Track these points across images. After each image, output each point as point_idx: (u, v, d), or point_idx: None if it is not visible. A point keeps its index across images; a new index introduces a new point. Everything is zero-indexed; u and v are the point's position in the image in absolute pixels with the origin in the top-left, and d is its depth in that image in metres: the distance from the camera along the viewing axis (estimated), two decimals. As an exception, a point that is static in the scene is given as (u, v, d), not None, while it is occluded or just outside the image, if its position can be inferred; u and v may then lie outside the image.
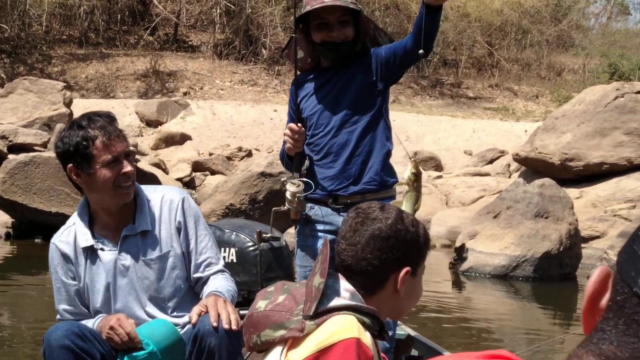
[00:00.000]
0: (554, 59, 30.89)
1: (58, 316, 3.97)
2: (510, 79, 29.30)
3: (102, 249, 3.90)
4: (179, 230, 3.97)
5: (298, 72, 4.76)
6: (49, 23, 27.16)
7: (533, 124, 20.22)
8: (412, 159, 4.06)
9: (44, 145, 17.25)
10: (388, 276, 2.62)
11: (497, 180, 17.52)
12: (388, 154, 4.60)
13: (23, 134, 17.21)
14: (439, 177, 18.50)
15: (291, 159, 4.64)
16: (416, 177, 3.98)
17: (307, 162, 4.63)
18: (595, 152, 16.82)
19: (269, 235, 4.77)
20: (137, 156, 18.63)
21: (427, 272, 10.04)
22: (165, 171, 18.24)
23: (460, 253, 12.86)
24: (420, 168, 4.19)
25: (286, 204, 4.51)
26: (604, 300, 1.02)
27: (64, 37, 28.29)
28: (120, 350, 3.72)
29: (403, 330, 4.94)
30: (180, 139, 20.22)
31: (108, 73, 26.45)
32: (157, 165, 18.35)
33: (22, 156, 13.55)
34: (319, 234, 4.51)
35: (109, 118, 3.89)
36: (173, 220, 3.97)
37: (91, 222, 3.94)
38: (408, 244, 2.63)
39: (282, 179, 4.66)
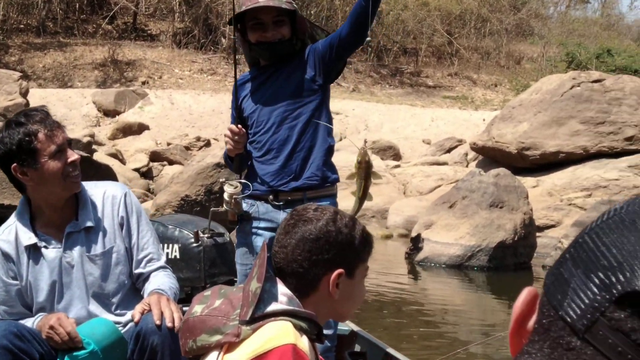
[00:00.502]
0: (513, 47, 31.09)
1: (-3, 315, 3.93)
2: (469, 67, 29.43)
3: (45, 247, 3.86)
4: (121, 225, 3.95)
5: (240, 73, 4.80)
6: (5, 12, 26.93)
7: (491, 113, 20.37)
8: (361, 148, 4.11)
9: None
10: (320, 278, 2.60)
11: (455, 169, 17.60)
12: (330, 149, 4.61)
13: (-21, 124, 17.02)
14: (397, 166, 18.56)
15: (231, 160, 4.66)
16: (360, 165, 4.03)
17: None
18: (552, 141, 16.95)
19: (207, 234, 4.75)
20: (93, 146, 18.55)
21: (383, 262, 10.06)
22: (122, 161, 18.19)
23: (416, 243, 12.92)
24: (369, 157, 4.20)
25: (224, 205, 4.53)
26: (531, 322, 1.00)
27: (21, 26, 28.08)
28: (60, 350, 3.67)
29: (347, 326, 4.92)
30: (138, 129, 20.17)
31: (66, 62, 26.29)
32: (114, 155, 18.31)
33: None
34: (260, 231, 4.50)
35: (45, 112, 3.84)
36: (116, 215, 3.95)
37: (32, 221, 3.89)
38: (340, 245, 2.61)
39: (221, 180, 4.64)
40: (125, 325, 3.80)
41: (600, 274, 0.93)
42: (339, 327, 4.58)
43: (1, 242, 3.87)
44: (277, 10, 4.41)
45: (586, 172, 16.43)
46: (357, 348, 4.85)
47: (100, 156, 17.65)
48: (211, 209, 4.78)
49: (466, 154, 19.11)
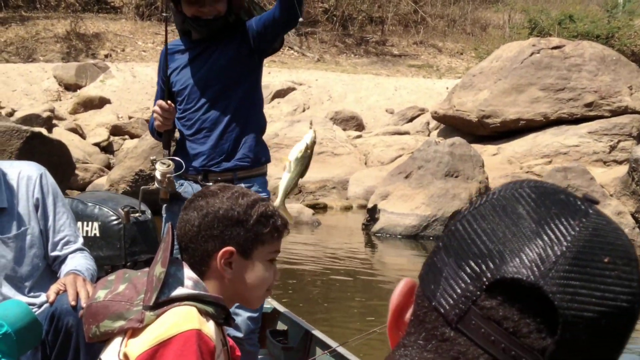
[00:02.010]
0: (479, 14, 31.17)
1: None
2: (435, 35, 29.49)
3: None
4: (36, 207, 3.93)
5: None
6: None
7: (455, 81, 20.41)
8: (312, 132, 4.21)
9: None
10: (210, 255, 2.60)
11: (416, 138, 17.66)
12: (262, 130, 4.62)
13: None
14: (359, 136, 18.59)
15: (160, 136, 4.64)
16: (306, 150, 4.12)
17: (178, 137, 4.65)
18: (512, 109, 17.08)
19: (136, 213, 4.71)
20: (54, 121, 18.49)
21: (341, 233, 10.09)
22: (83, 136, 18.18)
23: (372, 214, 13.01)
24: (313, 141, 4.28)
25: (155, 183, 4.49)
26: (409, 314, 1.01)
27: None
28: None
29: (269, 304, 4.96)
30: (99, 103, 20.07)
31: (28, 36, 26.18)
32: (74, 130, 18.29)
33: None
34: None
35: None
36: (31, 196, 3.92)
37: None
38: (229, 222, 2.60)
39: (152, 158, 4.62)
40: (40, 306, 3.78)
41: (471, 262, 0.94)
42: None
43: None
44: None
45: (546, 139, 16.59)
46: (280, 326, 4.87)
47: (60, 131, 17.61)
48: (142, 187, 4.75)
49: (428, 123, 19.18)
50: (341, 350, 4.39)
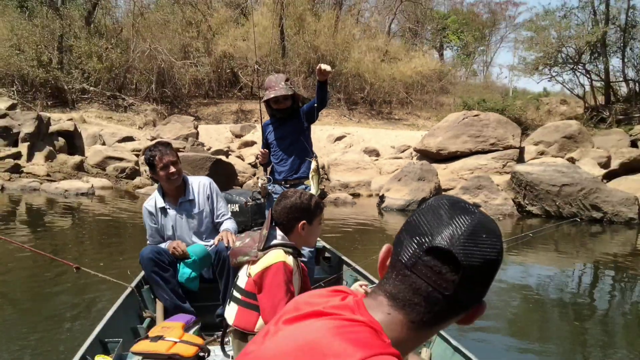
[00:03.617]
0: (439, 99, 30.37)
1: (148, 242, 3.94)
2: (417, 109, 28.84)
3: (169, 208, 3.85)
4: (208, 198, 3.92)
5: (265, 119, 4.76)
6: (189, 87, 27.06)
7: (426, 132, 19.98)
8: (315, 159, 4.03)
9: (184, 148, 17.25)
10: (294, 226, 2.57)
11: (405, 161, 17.32)
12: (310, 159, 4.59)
13: (174, 143, 17.17)
14: (376, 159, 18.32)
15: (262, 165, 4.65)
16: (315, 170, 3.95)
17: (272, 165, 4.64)
18: (453, 146, 16.76)
19: (250, 202, 4.64)
20: (229, 152, 18.57)
21: (363, 207, 9.88)
22: (242, 160, 18.15)
23: (381, 199, 12.84)
24: (319, 167, 4.18)
25: (258, 189, 4.54)
26: (388, 262, 1.01)
27: (197, 94, 28.12)
28: (178, 259, 3.71)
29: (321, 243, 4.86)
30: (251, 143, 20.12)
31: (218, 111, 26.31)
32: (239, 157, 18.27)
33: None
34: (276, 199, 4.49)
35: (164, 144, 3.82)
36: (205, 193, 3.92)
37: (163, 195, 3.88)
38: (301, 209, 2.58)
39: (256, 176, 4.59)
40: (211, 246, 3.79)
41: (417, 237, 0.95)
42: (316, 244, 4.57)
43: (148, 205, 3.88)
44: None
45: (471, 161, 16.24)
46: (327, 255, 4.78)
47: (232, 158, 17.63)
48: (252, 191, 4.76)
49: (411, 153, 18.85)
50: (357, 267, 4.29)
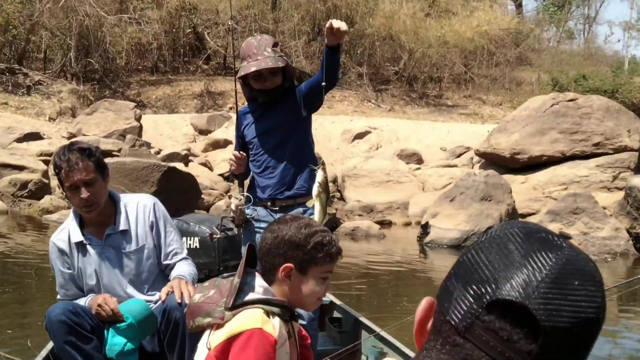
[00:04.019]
0: (515, 74, 30.57)
1: (58, 296, 3.96)
2: (481, 90, 28.99)
3: (89, 244, 3.88)
4: (152, 227, 3.96)
5: (241, 105, 4.82)
6: (127, 56, 27.19)
7: (494, 126, 20.06)
8: (321, 172, 4.04)
9: (119, 151, 17.37)
10: (276, 267, 2.61)
11: (462, 170, 17.35)
12: (311, 167, 4.60)
13: (104, 143, 17.26)
14: (418, 168, 18.35)
15: (236, 177, 4.68)
16: (320, 186, 3.95)
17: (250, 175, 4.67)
18: (537, 147, 16.84)
19: (218, 234, 4.70)
20: (190, 157, 18.72)
21: (396, 242, 9.95)
22: (210, 169, 18.26)
23: (424, 229, 12.93)
24: (327, 182, 4.19)
25: (231, 213, 4.56)
26: (429, 325, 1.04)
27: (139, 67, 28.32)
28: (106, 322, 3.73)
29: (327, 297, 4.90)
30: (224, 144, 20.17)
31: (172, 94, 26.47)
32: (204, 164, 18.38)
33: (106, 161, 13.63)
34: (261, 230, 4.44)
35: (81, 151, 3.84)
36: (147, 220, 3.96)
37: (82, 223, 3.91)
38: (291, 245, 2.60)
39: (229, 194, 4.67)
40: (155, 302, 3.82)
41: (474, 287, 0.97)
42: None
43: (58, 241, 3.91)
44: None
45: (563, 170, 16.32)
46: (336, 315, 4.84)
47: (194, 165, 17.75)
48: (222, 217, 4.82)
49: (472, 158, 18.92)
50: (384, 334, 4.34)
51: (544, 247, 0.97)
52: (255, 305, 2.53)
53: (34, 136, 18.79)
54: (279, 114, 4.53)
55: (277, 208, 4.49)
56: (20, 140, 18.32)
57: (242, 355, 2.43)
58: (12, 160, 16.04)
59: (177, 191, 12.78)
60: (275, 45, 4.46)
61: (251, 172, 4.65)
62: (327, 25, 3.97)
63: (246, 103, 4.74)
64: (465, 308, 0.97)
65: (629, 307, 8.65)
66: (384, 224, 15.02)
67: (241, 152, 4.55)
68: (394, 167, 17.14)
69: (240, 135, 4.68)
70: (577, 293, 0.95)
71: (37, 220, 13.77)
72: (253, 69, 4.34)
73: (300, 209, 4.39)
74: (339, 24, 3.98)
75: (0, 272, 9.24)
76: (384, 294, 8.79)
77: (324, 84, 4.20)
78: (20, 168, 15.81)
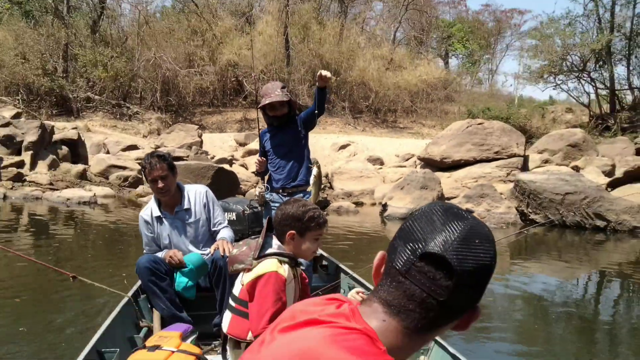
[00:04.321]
0: (444, 107, 30.26)
1: (144, 251, 3.95)
2: (421, 117, 28.79)
3: (165, 217, 3.86)
4: (204, 206, 3.92)
5: (262, 127, 4.78)
6: (193, 96, 27.09)
7: (430, 141, 20.00)
8: (315, 165, 4.08)
9: (187, 157, 17.29)
10: (284, 233, 2.58)
11: (409, 169, 17.30)
12: (308, 167, 4.57)
13: (177, 152, 17.20)
14: (380, 168, 18.28)
15: (259, 174, 4.66)
16: (315, 177, 4.00)
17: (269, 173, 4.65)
18: (457, 154, 16.70)
19: (248, 211, 4.63)
20: (233, 161, 18.62)
21: (366, 216, 9.87)
22: (246, 168, 18.12)
23: (384, 207, 12.83)
24: (320, 173, 4.19)
25: (256, 197, 4.54)
26: (382, 269, 1.02)
27: (201, 102, 28.07)
28: (175, 268, 3.72)
29: (319, 251, 4.80)
30: (255, 152, 19.94)
31: (222, 120, 26.34)
32: (242, 165, 18.29)
33: (177, 164, 13.54)
34: (274, 208, 4.48)
35: (158, 157, 3.81)
36: (201, 201, 3.92)
37: (159, 203, 3.90)
38: (293, 218, 2.57)
39: (255, 185, 4.62)
40: (207, 255, 3.79)
41: (411, 244, 0.96)
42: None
43: (144, 215, 3.90)
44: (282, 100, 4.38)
45: (475, 169, 16.18)
46: (324, 262, 4.78)
47: (235, 166, 17.64)
48: (250, 200, 4.77)
49: (415, 162, 18.82)
50: (355, 275, 4.27)
51: (456, 218, 0.96)
52: (272, 257, 2.51)
53: (133, 147, 18.73)
54: (287, 133, 4.51)
55: (285, 194, 4.48)
56: (124, 150, 18.31)
57: (264, 289, 2.41)
58: (119, 162, 16.08)
59: (224, 183, 12.73)
60: (283, 87, 4.44)
61: (269, 171, 4.62)
62: (318, 74, 3.97)
63: (266, 126, 4.71)
64: (405, 258, 0.95)
65: (515, 260, 8.62)
66: (358, 204, 14.95)
67: (262, 158, 4.54)
68: (365, 167, 17.05)
69: (261, 146, 4.66)
70: (478, 248, 0.94)
71: (133, 201, 13.76)
72: (267, 101, 4.34)
73: (301, 194, 4.36)
74: (325, 73, 3.96)
75: (106, 236, 9.23)
76: (357, 250, 8.73)
77: (316, 112, 4.19)
78: (124, 168, 15.90)
